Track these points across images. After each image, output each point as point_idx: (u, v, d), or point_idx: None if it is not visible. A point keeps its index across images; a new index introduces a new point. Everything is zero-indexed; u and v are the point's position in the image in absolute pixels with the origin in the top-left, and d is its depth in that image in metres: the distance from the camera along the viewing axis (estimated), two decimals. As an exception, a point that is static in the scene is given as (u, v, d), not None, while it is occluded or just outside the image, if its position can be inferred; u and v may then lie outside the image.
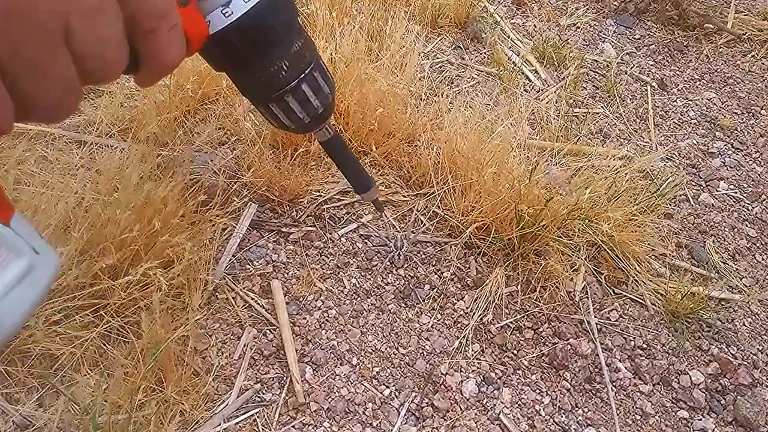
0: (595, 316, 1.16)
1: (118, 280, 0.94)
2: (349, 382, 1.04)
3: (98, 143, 1.29)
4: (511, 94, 1.57)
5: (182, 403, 0.95)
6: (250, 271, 1.16)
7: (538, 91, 1.64)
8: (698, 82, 1.77)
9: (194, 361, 1.02)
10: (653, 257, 1.27)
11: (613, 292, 1.21)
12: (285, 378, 1.03)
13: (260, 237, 1.21)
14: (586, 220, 1.14)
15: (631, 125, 1.58)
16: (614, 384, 1.07)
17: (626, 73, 1.76)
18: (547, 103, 1.58)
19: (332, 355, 1.07)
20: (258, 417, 0.98)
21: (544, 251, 1.20)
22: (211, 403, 0.99)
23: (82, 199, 1.06)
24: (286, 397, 1.01)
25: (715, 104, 1.70)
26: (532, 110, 1.55)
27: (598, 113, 1.59)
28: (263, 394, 1.01)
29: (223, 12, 0.62)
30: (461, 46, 1.77)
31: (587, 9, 1.97)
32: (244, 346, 1.06)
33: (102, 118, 1.36)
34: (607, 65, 1.78)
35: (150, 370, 0.95)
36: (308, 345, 1.07)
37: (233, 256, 1.17)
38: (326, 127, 1.01)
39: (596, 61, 1.80)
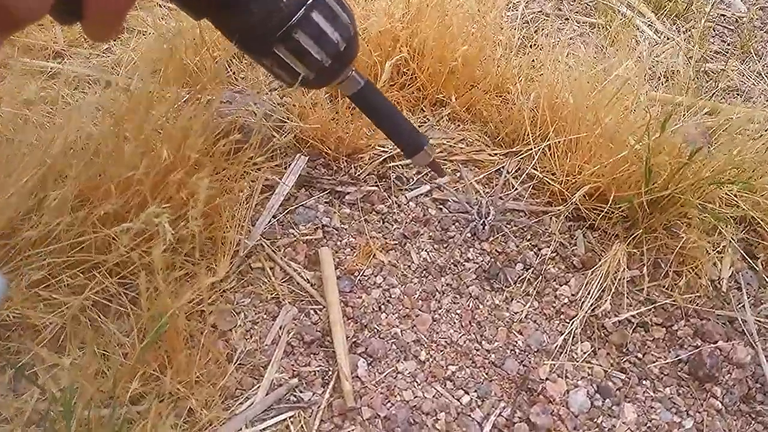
0: (752, 313, 0.86)
1: (113, 228, 0.70)
2: (416, 383, 0.78)
3: (126, 85, 1.08)
4: (622, 47, 1.28)
5: (190, 397, 0.71)
6: (294, 237, 0.91)
7: (654, 45, 1.34)
8: None
9: (212, 343, 0.78)
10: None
11: (773, 282, 0.90)
12: (331, 373, 0.77)
13: (309, 196, 0.96)
14: (741, 184, 0.84)
15: (775, 85, 1.27)
16: (782, 407, 0.77)
17: (763, 29, 1.44)
18: (669, 56, 1.28)
19: (394, 347, 0.81)
20: (292, 422, 0.73)
21: (678, 226, 0.90)
22: (232, 400, 0.74)
23: (83, 135, 0.84)
24: (331, 398, 0.75)
25: None
26: (651, 65, 1.26)
27: (733, 70, 1.28)
28: (301, 392, 0.76)
29: None
30: (559, -5, 1.49)
31: (709, -39, 1.66)
32: (280, 328, 0.81)
33: (132, 57, 1.14)
34: (737, 20, 1.46)
35: (150, 351, 0.71)
36: (363, 331, 0.82)
37: (274, 217, 0.93)
38: (353, 72, 0.78)
39: (723, 15, 1.48)
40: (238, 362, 0.77)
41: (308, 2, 0.64)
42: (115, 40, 1.21)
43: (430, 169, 0.90)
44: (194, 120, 0.77)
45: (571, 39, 1.34)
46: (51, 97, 1.02)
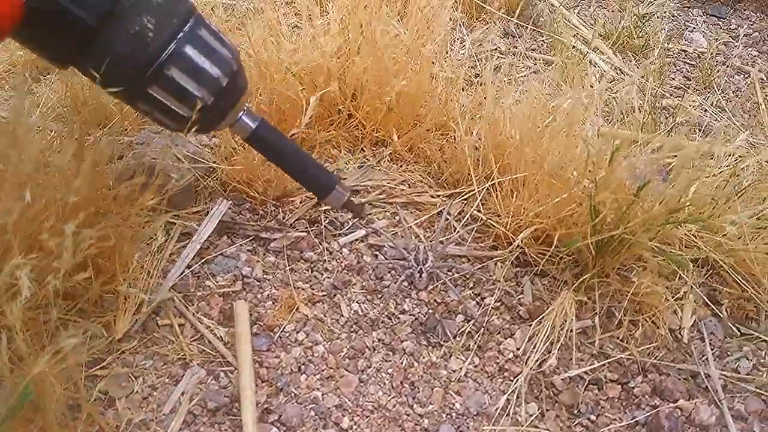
0: (716, 367, 0.76)
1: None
2: (334, 456, 0.68)
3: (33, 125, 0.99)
4: (578, 83, 1.22)
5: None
6: (210, 289, 0.82)
7: (611, 81, 1.28)
8: (817, 76, 1.38)
9: (99, 412, 0.67)
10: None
11: (739, 332, 0.81)
12: (237, 446, 0.67)
13: (230, 244, 0.88)
14: (699, 223, 0.77)
15: (737, 120, 1.20)
16: (754, 475, 0.68)
17: (724, 64, 1.39)
18: (626, 93, 1.22)
19: (312, 413, 0.71)
20: (186, 507, 0.63)
21: (632, 270, 0.82)
22: (115, 482, 0.64)
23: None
24: (235, 477, 0.65)
25: None
26: (606, 101, 1.20)
27: (693, 106, 1.22)
28: (200, 470, 0.66)
29: None
30: (513, 33, 1.44)
31: (668, -1, 1.62)
32: (182, 394, 0.71)
33: (50, 97, 1.07)
34: (699, 56, 1.41)
35: (19, 426, 0.61)
36: (277, 396, 0.72)
37: (189, 267, 0.84)
38: (245, 113, 0.72)
39: (684, 51, 1.43)
40: (126, 436, 0.66)
41: (179, 36, 0.59)
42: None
43: (346, 211, 0.83)
44: (78, 160, 0.68)
45: (525, 76, 1.28)
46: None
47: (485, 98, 0.99)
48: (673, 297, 0.81)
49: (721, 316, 0.82)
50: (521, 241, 0.83)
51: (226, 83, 0.64)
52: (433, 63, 1.04)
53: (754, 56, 1.43)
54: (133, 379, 0.72)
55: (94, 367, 0.72)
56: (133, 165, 0.88)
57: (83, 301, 0.74)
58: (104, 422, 0.66)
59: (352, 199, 0.80)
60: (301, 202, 0.94)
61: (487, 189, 0.93)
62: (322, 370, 0.75)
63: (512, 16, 1.41)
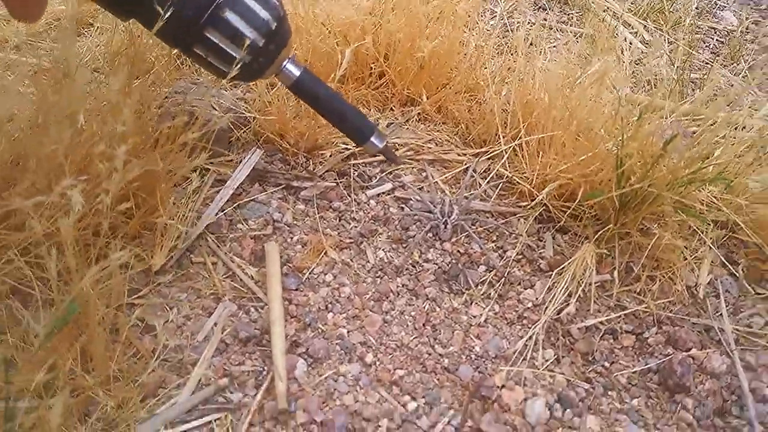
0: (730, 322, 0.78)
1: (26, 201, 0.64)
2: (358, 387, 0.71)
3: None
4: (607, 53, 1.23)
5: (105, 392, 0.64)
6: (242, 231, 0.85)
7: (640, 53, 1.29)
8: None
9: (137, 336, 0.71)
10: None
11: (754, 291, 0.83)
12: (266, 373, 0.71)
13: (262, 191, 0.91)
14: (724, 182, 0.78)
15: (764, 95, 1.21)
16: (762, 421, 0.69)
17: (753, 42, 1.39)
18: (654, 64, 1.23)
19: (338, 348, 0.74)
20: (217, 425, 0.66)
21: (653, 227, 0.84)
22: (152, 398, 0.67)
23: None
24: (264, 401, 0.68)
25: None
26: (634, 72, 1.21)
27: (721, 80, 1.23)
28: (231, 392, 0.69)
29: None
30: (544, 6, 1.45)
31: (701, -24, 1.62)
32: (215, 324, 0.75)
33: (91, 48, 1.10)
34: (728, 33, 1.41)
35: (64, 341, 0.65)
36: (305, 331, 0.75)
37: (222, 210, 0.87)
38: (291, 60, 0.76)
39: (714, 28, 1.43)
40: (162, 358, 0.70)
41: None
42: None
43: (383, 156, 0.86)
44: (124, 96, 0.71)
45: (554, 47, 1.30)
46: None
47: (515, 62, 1.01)
48: (691, 255, 0.83)
49: (737, 275, 0.84)
50: (545, 196, 0.85)
51: (275, 27, 0.67)
52: (465, 27, 1.06)
53: (785, 35, 1.43)
54: (168, 309, 0.76)
55: (132, 296, 0.75)
56: (173, 111, 0.92)
57: (123, 234, 0.77)
58: (142, 346, 0.70)
59: (389, 145, 0.83)
60: (331, 155, 0.97)
61: (514, 149, 0.95)
62: (348, 310, 0.78)
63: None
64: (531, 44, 1.17)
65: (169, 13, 0.62)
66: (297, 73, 0.76)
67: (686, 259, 0.83)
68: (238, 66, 0.68)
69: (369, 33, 0.99)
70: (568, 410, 0.70)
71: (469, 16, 1.06)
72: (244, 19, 0.65)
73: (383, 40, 1.02)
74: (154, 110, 0.90)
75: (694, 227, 0.84)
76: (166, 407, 0.67)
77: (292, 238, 0.85)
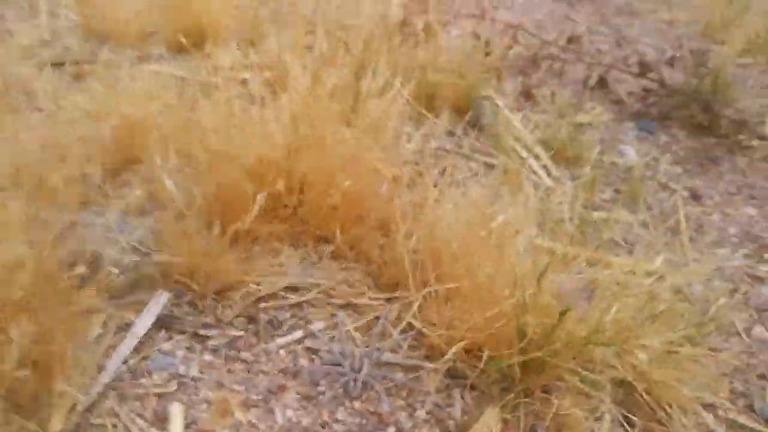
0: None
1: None
2: None
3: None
4: (515, 190, 1.29)
5: None
6: (145, 388, 0.82)
7: (546, 189, 1.36)
8: (736, 196, 1.49)
9: None
10: (701, 405, 0.93)
11: (652, 453, 0.86)
12: None
13: (168, 339, 0.88)
14: (615, 347, 0.82)
15: (660, 237, 1.29)
16: None
17: (652, 179, 1.49)
18: (559, 203, 1.29)
19: None
20: None
21: (555, 388, 0.87)
22: None
23: None
24: None
25: (757, 222, 1.42)
26: (541, 210, 1.26)
27: (620, 220, 1.30)
28: None
29: None
30: (458, 132, 1.51)
31: (605, 109, 1.73)
32: (106, 502, 0.71)
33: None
34: (629, 169, 1.51)
35: None
36: (204, 507, 0.72)
37: (125, 362, 0.84)
38: None
39: (615, 163, 1.53)
40: None
41: None
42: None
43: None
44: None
45: (467, 178, 1.35)
46: None
47: (425, 199, 1.04)
48: (592, 415, 0.86)
49: (635, 436, 0.87)
50: (453, 354, 0.87)
51: None
52: (378, 165, 1.09)
53: (679, 174, 1.53)
54: (56, 483, 0.71)
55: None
56: (75, 252, 0.89)
57: (20, 397, 0.73)
58: None
59: None
60: (241, 298, 0.95)
61: (424, 296, 0.96)
62: (251, 479, 0.76)
63: (459, 114, 1.49)
64: (443, 173, 1.20)
65: None
66: None
67: (587, 419, 0.85)
68: None
69: (283, 172, 1.00)
70: None
71: (383, 155, 1.09)
72: None
73: (297, 178, 1.03)
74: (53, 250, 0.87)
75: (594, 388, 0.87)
76: None
77: (197, 395, 0.83)
